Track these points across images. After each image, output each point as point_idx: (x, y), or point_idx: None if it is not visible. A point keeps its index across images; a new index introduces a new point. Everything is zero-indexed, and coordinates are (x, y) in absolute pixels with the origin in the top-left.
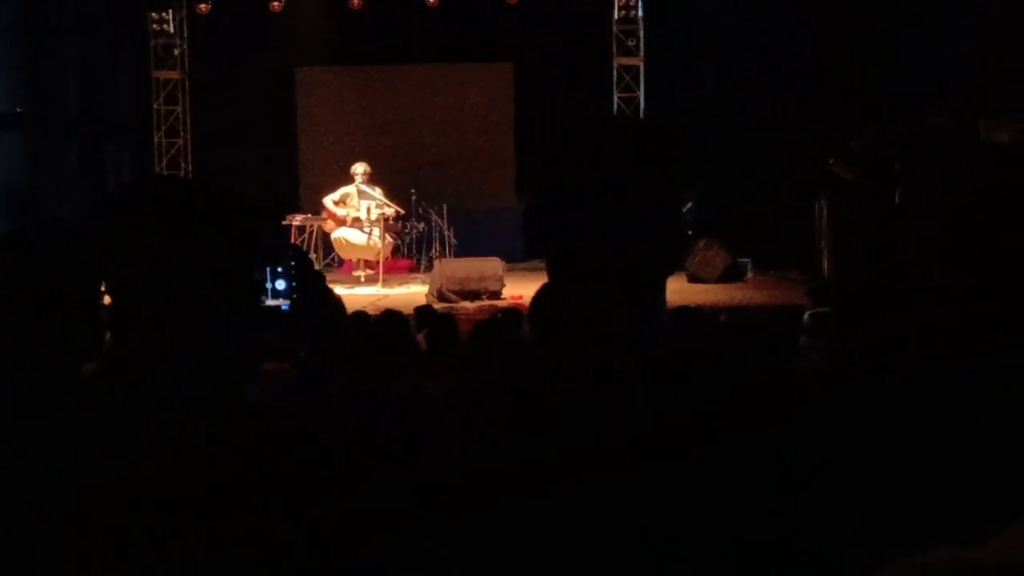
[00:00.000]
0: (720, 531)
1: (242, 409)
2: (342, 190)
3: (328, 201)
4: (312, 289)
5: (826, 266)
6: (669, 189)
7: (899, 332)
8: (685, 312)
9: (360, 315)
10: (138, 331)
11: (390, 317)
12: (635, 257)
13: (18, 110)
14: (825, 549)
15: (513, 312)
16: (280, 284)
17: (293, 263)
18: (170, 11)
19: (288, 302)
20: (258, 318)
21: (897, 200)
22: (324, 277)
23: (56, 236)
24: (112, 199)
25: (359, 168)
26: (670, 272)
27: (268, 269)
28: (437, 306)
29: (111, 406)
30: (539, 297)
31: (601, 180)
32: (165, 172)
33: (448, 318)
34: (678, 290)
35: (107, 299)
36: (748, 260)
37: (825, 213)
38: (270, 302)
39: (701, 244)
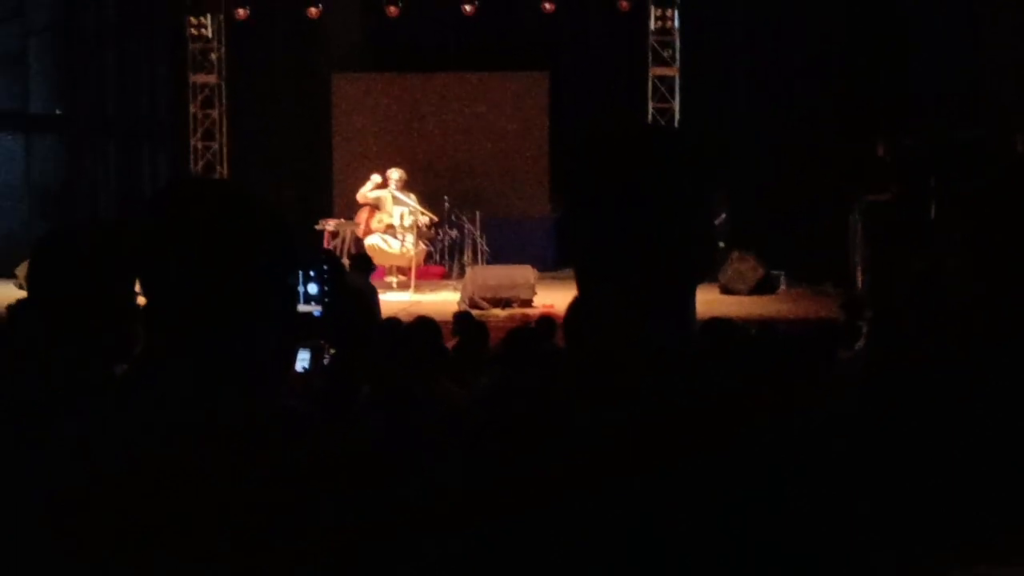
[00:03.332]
0: (750, 533)
1: (272, 413)
2: (377, 192)
3: (362, 192)
4: (343, 294)
5: (860, 279)
6: (696, 194)
7: (932, 334)
8: (716, 323)
9: (392, 321)
10: (172, 332)
11: (422, 323)
12: (663, 263)
13: (56, 112)
14: (853, 550)
15: (548, 321)
16: (312, 288)
17: (325, 267)
18: (208, 16)
19: (320, 308)
20: (291, 323)
21: (932, 215)
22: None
23: (92, 237)
24: (148, 201)
25: (394, 174)
26: (700, 279)
27: (300, 273)
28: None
29: (139, 404)
30: (573, 309)
31: (627, 186)
32: (201, 175)
33: (479, 325)
34: (710, 301)
35: (141, 300)
36: (781, 272)
37: (859, 227)
38: (302, 307)
39: (734, 256)
